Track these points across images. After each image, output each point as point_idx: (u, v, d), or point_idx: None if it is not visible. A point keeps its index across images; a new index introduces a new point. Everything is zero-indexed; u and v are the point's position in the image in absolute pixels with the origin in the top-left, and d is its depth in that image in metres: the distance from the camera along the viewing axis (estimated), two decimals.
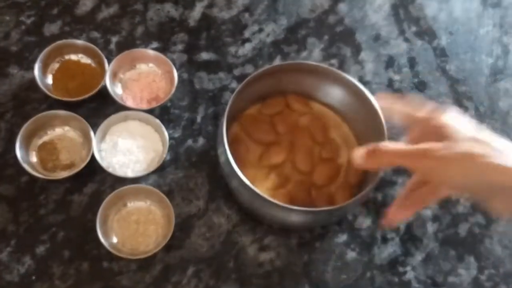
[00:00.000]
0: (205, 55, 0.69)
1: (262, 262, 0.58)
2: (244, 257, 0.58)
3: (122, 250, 0.56)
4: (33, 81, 0.62)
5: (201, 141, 0.64)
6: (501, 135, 0.41)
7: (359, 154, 0.44)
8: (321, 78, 0.60)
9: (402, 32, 0.75)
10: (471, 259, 0.61)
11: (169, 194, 0.59)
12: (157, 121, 0.61)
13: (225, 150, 0.53)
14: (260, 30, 0.72)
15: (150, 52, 0.66)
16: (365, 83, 0.68)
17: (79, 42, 0.66)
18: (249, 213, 0.59)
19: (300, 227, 0.60)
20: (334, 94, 0.61)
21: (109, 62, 0.64)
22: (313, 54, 0.72)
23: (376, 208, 0.63)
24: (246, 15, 0.73)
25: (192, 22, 0.72)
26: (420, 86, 0.71)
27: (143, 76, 0.66)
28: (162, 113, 0.64)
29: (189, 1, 0.73)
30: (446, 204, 0.64)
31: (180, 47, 0.69)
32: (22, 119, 0.60)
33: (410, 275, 0.60)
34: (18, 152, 0.58)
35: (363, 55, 0.72)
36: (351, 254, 0.60)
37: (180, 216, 0.59)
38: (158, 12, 0.72)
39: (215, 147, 0.59)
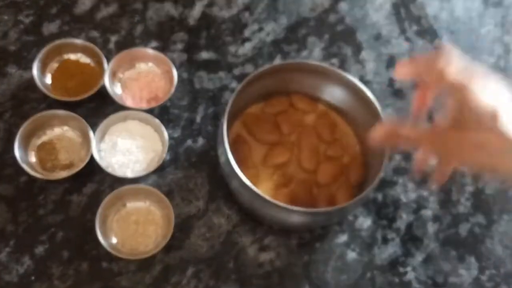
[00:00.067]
0: (205, 55, 0.69)
1: (262, 263, 0.58)
2: (244, 258, 0.58)
3: (122, 251, 0.56)
4: (31, 80, 0.62)
5: (200, 141, 0.64)
6: None
7: (377, 133, 0.45)
8: (322, 78, 0.60)
9: (403, 31, 0.75)
10: (472, 260, 0.61)
11: (168, 194, 0.59)
12: (157, 121, 0.61)
13: (225, 150, 0.53)
14: (260, 29, 0.72)
15: (150, 51, 0.66)
16: (366, 83, 0.67)
17: (78, 41, 0.65)
18: (249, 213, 0.59)
19: (300, 228, 0.60)
20: (335, 93, 0.61)
21: (108, 62, 0.64)
22: (314, 54, 0.71)
23: (376, 209, 0.62)
24: (246, 14, 0.73)
25: (192, 21, 0.71)
26: None
27: (142, 76, 0.66)
28: (162, 113, 0.64)
29: (189, 0, 0.73)
30: (447, 204, 0.64)
31: (179, 46, 0.69)
32: (20, 119, 0.60)
33: (410, 275, 0.60)
34: (17, 152, 0.57)
35: (364, 54, 0.72)
36: (351, 255, 0.60)
37: (179, 216, 0.59)
38: (157, 11, 0.71)
39: (215, 147, 0.59)
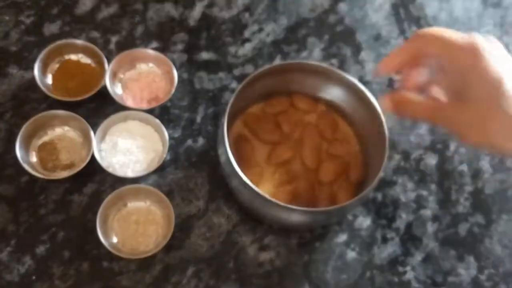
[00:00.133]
0: (205, 55, 0.69)
1: (262, 262, 0.58)
2: (244, 257, 0.58)
3: (122, 250, 0.56)
4: (32, 81, 0.62)
5: (201, 141, 0.64)
6: None
7: (386, 101, 0.46)
8: (322, 78, 0.60)
9: (402, 31, 0.75)
10: (471, 259, 0.61)
11: (169, 194, 0.59)
12: (157, 121, 0.61)
13: (226, 150, 0.53)
14: (260, 30, 0.72)
15: (150, 52, 0.66)
16: (365, 83, 0.67)
17: (79, 42, 0.65)
18: (249, 213, 0.59)
19: (300, 227, 0.60)
20: (335, 93, 0.61)
21: (109, 62, 0.64)
22: (313, 54, 0.72)
23: (376, 208, 0.63)
24: (246, 14, 0.73)
25: (192, 22, 0.72)
26: None
27: (143, 76, 0.66)
28: (162, 113, 0.64)
29: (189, 1, 0.73)
30: (446, 204, 0.64)
31: (180, 47, 0.69)
32: (21, 119, 0.60)
33: (410, 275, 0.60)
34: (18, 152, 0.57)
35: (364, 55, 0.72)
36: (351, 254, 0.60)
37: (180, 216, 0.59)
38: (158, 12, 0.72)
39: (215, 147, 0.59)
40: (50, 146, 0.60)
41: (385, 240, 0.61)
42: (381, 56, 0.72)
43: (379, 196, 0.63)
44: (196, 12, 0.72)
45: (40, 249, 0.56)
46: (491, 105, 0.41)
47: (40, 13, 0.69)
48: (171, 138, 0.62)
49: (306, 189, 0.58)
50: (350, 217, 0.62)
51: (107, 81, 0.62)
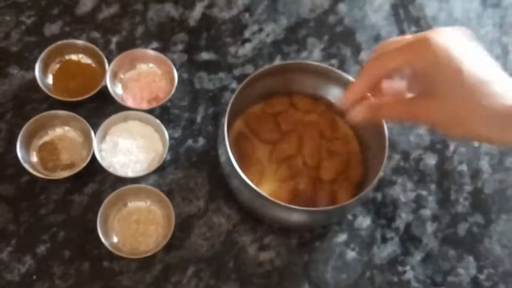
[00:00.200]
0: (205, 55, 0.70)
1: (262, 262, 0.59)
2: (244, 257, 0.59)
3: (123, 250, 0.56)
4: (33, 81, 0.62)
5: (201, 141, 0.64)
6: None
7: (359, 110, 0.46)
8: (322, 78, 0.61)
9: (402, 32, 0.75)
10: (470, 259, 0.61)
11: (169, 194, 0.59)
12: (157, 121, 0.61)
13: (226, 149, 0.53)
14: (260, 30, 0.72)
15: (150, 52, 0.66)
16: None
17: (80, 42, 0.66)
18: (249, 212, 0.60)
19: (300, 227, 0.60)
20: (335, 93, 0.62)
21: (109, 62, 0.64)
22: (313, 54, 0.72)
23: (376, 208, 0.63)
24: (246, 15, 0.73)
25: (192, 22, 0.72)
26: None
27: (143, 76, 0.66)
28: (162, 113, 0.65)
29: (189, 1, 0.73)
30: (445, 204, 0.64)
31: (180, 47, 0.70)
32: (22, 119, 0.60)
33: (409, 274, 0.60)
34: (19, 152, 0.58)
35: (363, 55, 0.72)
36: (351, 254, 0.60)
37: (180, 216, 0.59)
38: (158, 12, 0.72)
39: (215, 147, 0.59)
40: (50, 146, 0.61)
41: (384, 240, 0.61)
42: None
43: (379, 196, 0.63)
44: (196, 12, 0.72)
45: (41, 249, 0.57)
46: (459, 97, 0.40)
47: (40, 13, 0.70)
48: (171, 138, 0.62)
49: (307, 187, 0.58)
50: (350, 217, 0.62)
51: (108, 81, 0.63)
